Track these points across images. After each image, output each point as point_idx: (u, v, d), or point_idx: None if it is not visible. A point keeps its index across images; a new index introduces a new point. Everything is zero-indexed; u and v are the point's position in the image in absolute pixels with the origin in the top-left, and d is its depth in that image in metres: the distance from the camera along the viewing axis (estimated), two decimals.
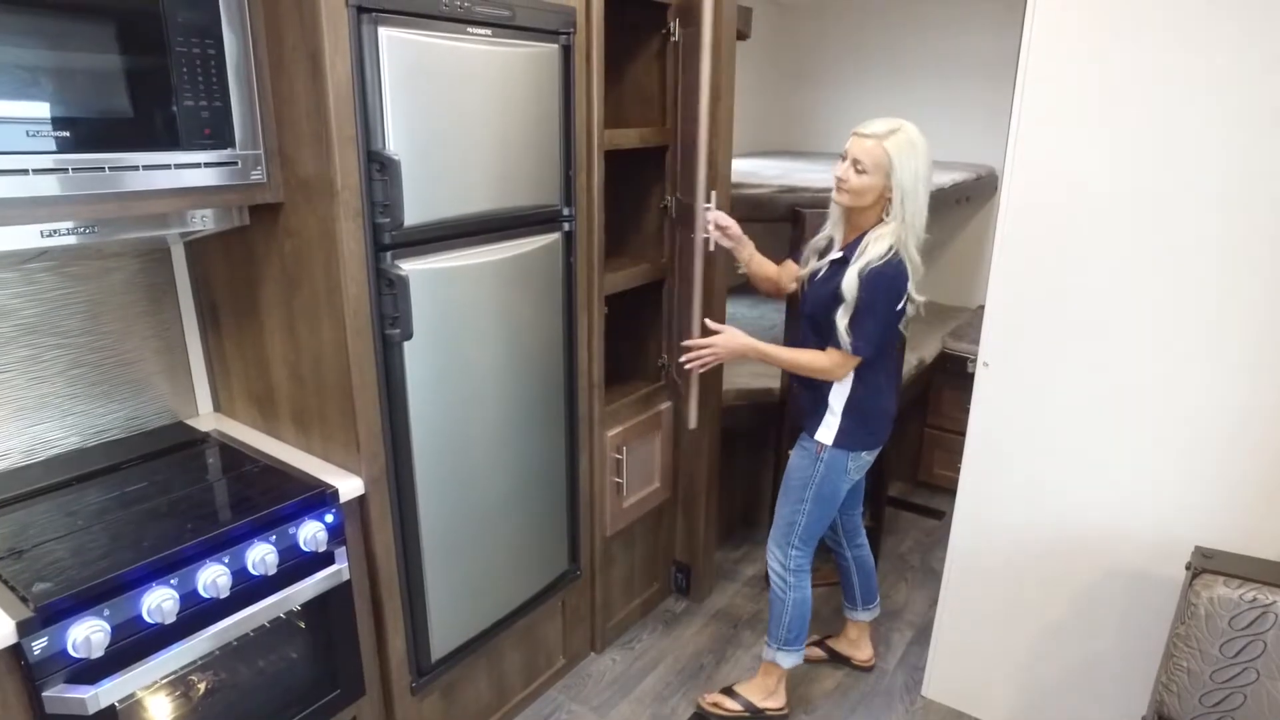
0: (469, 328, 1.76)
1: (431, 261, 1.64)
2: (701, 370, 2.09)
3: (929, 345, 3.37)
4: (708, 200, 2.02)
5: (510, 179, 1.79)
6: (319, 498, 1.55)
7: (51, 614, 1.20)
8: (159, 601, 1.30)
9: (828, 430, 1.99)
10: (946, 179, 3.06)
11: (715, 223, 2.05)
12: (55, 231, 1.30)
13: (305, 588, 1.51)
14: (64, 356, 1.67)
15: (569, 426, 2.16)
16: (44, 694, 1.21)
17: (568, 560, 2.29)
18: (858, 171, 1.80)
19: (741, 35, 3.70)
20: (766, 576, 2.23)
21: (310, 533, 1.52)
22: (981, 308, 4.07)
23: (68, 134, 1.23)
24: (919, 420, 3.60)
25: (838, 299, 1.85)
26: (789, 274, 2.16)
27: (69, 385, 1.69)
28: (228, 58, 1.39)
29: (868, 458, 2.06)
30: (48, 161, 1.22)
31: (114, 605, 1.27)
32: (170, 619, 1.31)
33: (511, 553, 2.06)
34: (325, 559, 1.56)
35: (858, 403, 1.97)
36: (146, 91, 1.31)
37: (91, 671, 1.25)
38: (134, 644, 1.30)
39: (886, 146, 1.76)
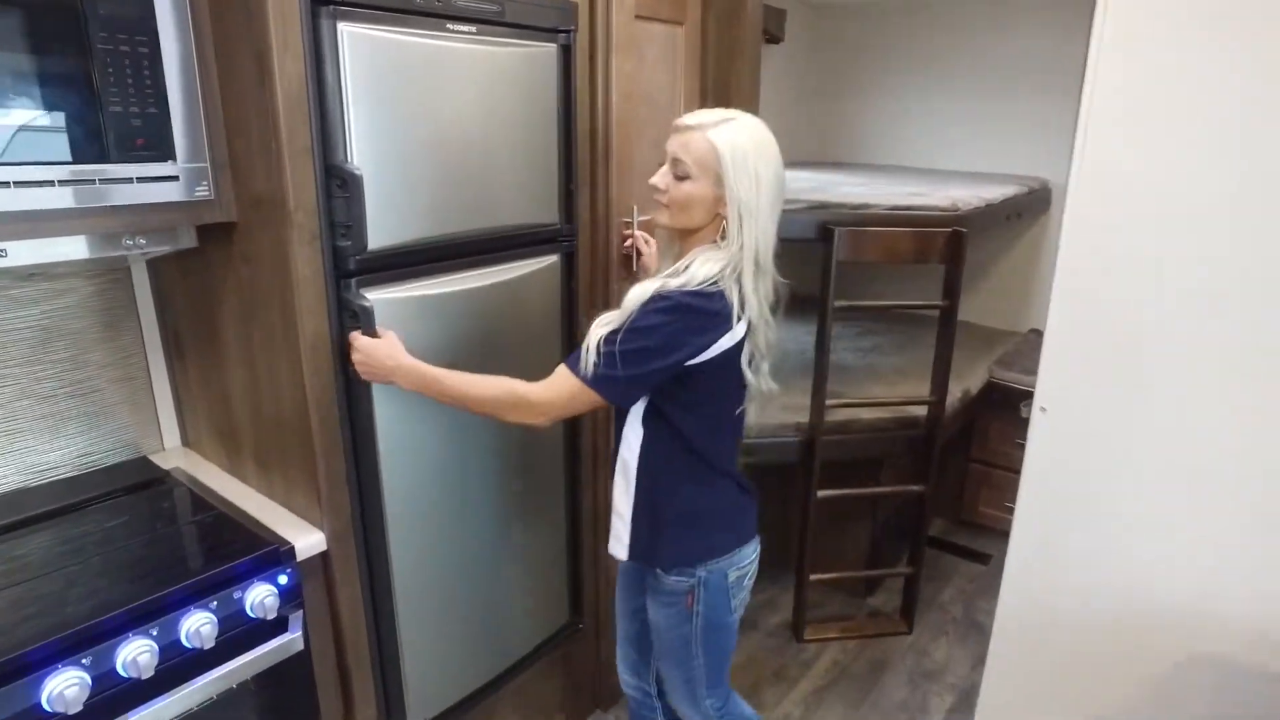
0: (449, 363, 1.56)
1: (403, 289, 1.45)
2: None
3: (975, 374, 3.09)
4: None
5: (498, 195, 1.59)
6: (271, 556, 1.36)
7: None
8: (62, 687, 1.12)
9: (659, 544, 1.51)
10: (996, 193, 2.80)
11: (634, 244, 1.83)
12: None
13: (251, 661, 1.32)
14: (6, 387, 1.52)
15: (569, 464, 1.96)
16: None
17: (568, 612, 2.08)
18: (678, 176, 1.35)
19: (774, 38, 3.50)
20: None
21: (259, 597, 1.33)
22: (1033, 332, 3.80)
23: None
24: (963, 454, 3.32)
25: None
26: None
27: (10, 418, 1.53)
28: (165, 56, 1.22)
29: (751, 558, 1.57)
30: None
31: (6, 693, 1.09)
32: (75, 708, 1.13)
33: (503, 606, 1.86)
34: (277, 626, 1.37)
35: (664, 505, 1.49)
36: (63, 96, 1.14)
37: None
38: None
39: (712, 138, 1.30)
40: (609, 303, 1.89)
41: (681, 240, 1.44)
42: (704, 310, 1.31)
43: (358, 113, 1.30)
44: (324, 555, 1.45)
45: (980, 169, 3.60)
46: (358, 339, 1.38)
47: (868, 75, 3.84)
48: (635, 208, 1.85)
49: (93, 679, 1.15)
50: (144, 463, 1.70)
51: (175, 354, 1.71)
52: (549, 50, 1.63)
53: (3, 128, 1.10)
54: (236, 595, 1.32)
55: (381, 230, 1.37)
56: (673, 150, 1.35)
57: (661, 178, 1.38)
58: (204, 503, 1.54)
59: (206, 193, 1.31)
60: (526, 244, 1.69)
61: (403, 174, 1.40)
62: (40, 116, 1.13)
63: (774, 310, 1.40)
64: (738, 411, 1.49)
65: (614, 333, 1.31)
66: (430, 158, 1.44)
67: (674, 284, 1.32)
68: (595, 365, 1.31)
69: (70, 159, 1.16)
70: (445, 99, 1.44)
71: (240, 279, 1.43)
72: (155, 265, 1.65)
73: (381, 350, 1.37)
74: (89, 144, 1.17)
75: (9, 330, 1.50)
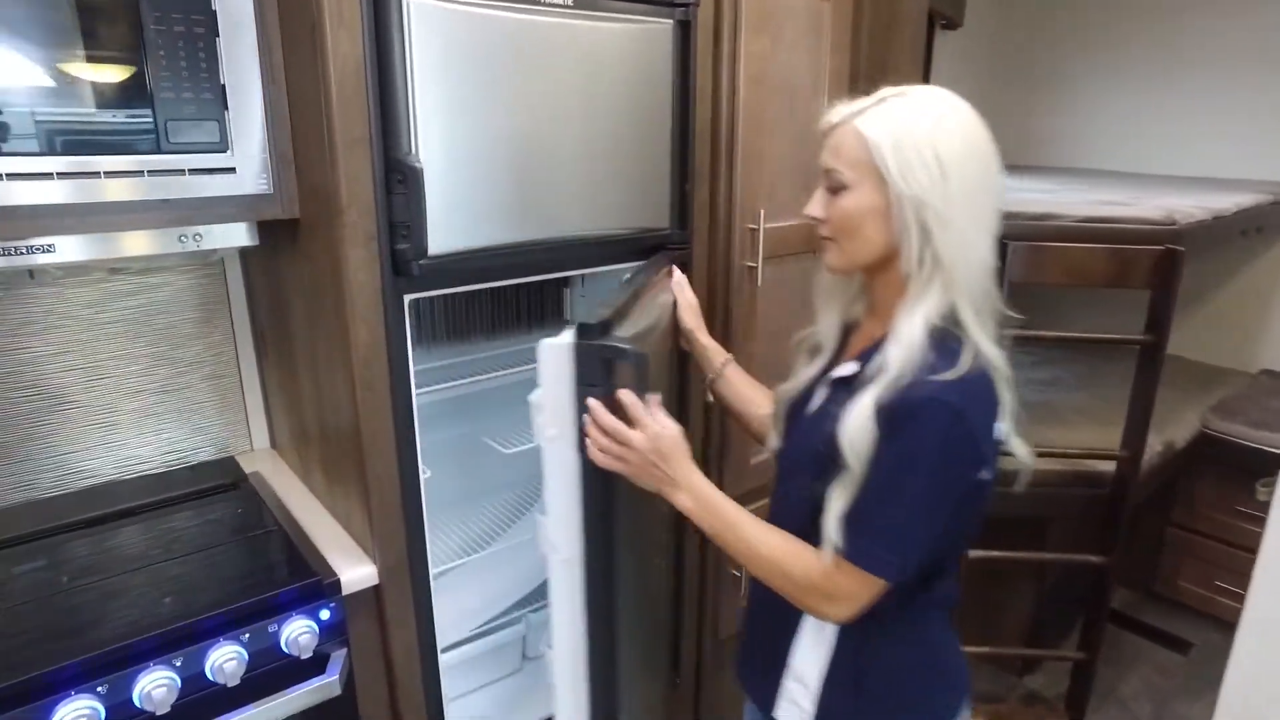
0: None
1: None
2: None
3: (1182, 421, 2.55)
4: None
5: (596, 197, 1.39)
6: (313, 589, 1.24)
7: None
8: (71, 717, 1.04)
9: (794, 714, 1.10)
10: (1228, 202, 2.27)
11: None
12: (11, 249, 1.07)
13: (279, 703, 1.20)
14: (103, 379, 1.50)
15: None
16: None
17: (665, 667, 1.86)
18: (832, 190, 0.99)
19: (950, 23, 3.08)
20: None
21: (294, 633, 1.21)
22: (1266, 374, 3.11)
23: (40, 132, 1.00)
24: (1161, 515, 2.76)
25: (832, 455, 0.95)
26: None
27: (107, 410, 1.52)
28: (221, 37, 1.11)
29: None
30: (22, 165, 0.99)
31: (15, 718, 1.02)
32: None
33: None
34: (313, 666, 1.24)
35: (867, 668, 1.05)
36: (111, 82, 1.05)
37: None
38: None
39: (861, 126, 0.94)
40: (730, 320, 1.65)
41: (875, 291, 1.04)
42: (967, 404, 0.90)
43: (425, 98, 1.14)
44: (377, 590, 1.32)
45: (1197, 173, 3.00)
46: (633, 420, 1.00)
47: (1060, 64, 3.31)
48: (762, 212, 1.58)
49: (105, 709, 1.07)
50: (229, 463, 1.65)
51: (264, 353, 1.65)
52: (664, 28, 1.40)
53: (47, 116, 1.02)
54: (271, 629, 1.20)
55: (451, 233, 1.21)
56: (822, 161, 1.00)
57: (815, 203, 1.02)
58: (268, 515, 1.44)
59: (265, 186, 1.20)
60: (629, 252, 1.47)
61: (479, 170, 1.22)
62: (88, 103, 1.04)
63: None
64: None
65: (857, 505, 0.93)
66: (514, 152, 1.25)
67: (892, 379, 0.91)
68: (854, 546, 0.93)
69: (118, 150, 1.07)
70: (534, 83, 1.25)
71: (304, 281, 1.31)
72: (246, 261, 1.59)
73: (664, 446, 1.00)
74: (138, 134, 1.08)
75: (103, 323, 1.48)
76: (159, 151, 1.09)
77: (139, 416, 1.56)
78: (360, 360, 1.20)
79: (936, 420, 0.89)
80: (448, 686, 1.63)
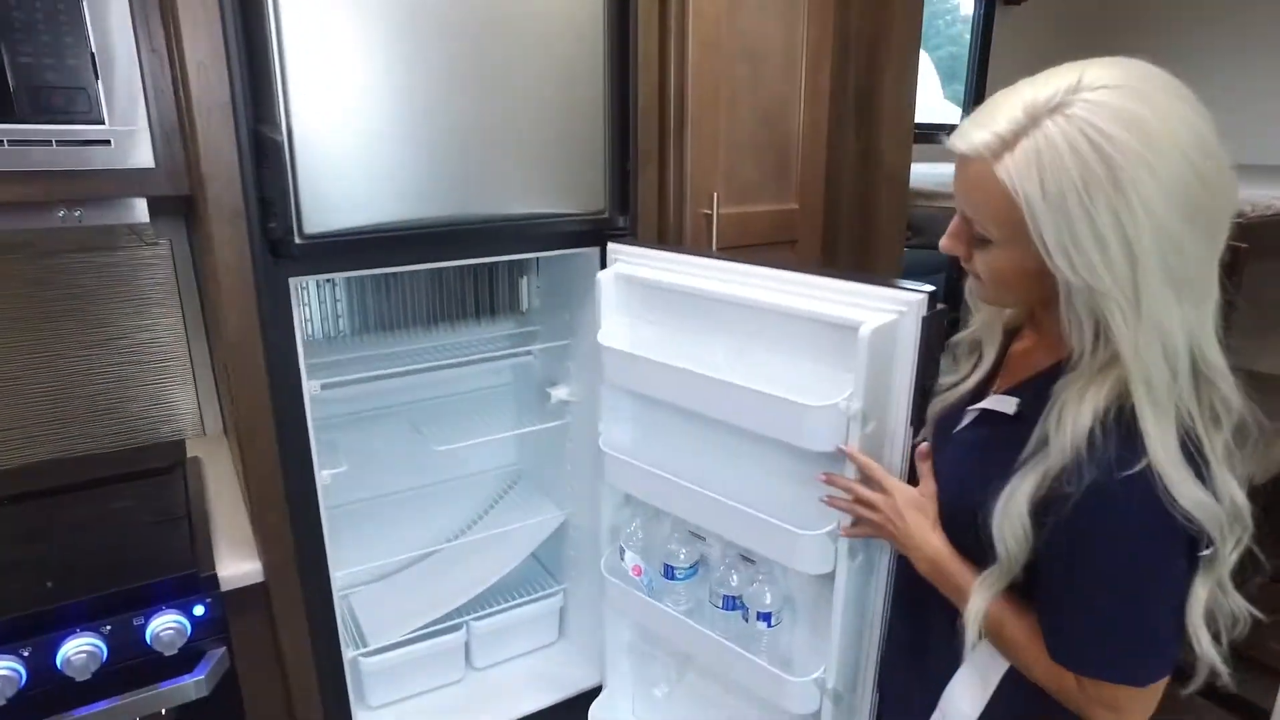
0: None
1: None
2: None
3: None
4: None
5: (513, 174, 1.26)
6: (186, 582, 1.18)
7: None
8: None
9: None
10: None
11: None
12: None
13: (135, 702, 1.15)
14: (53, 358, 1.51)
15: None
16: None
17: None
18: (976, 241, 0.80)
19: None
20: None
21: (160, 627, 1.15)
22: None
23: None
24: None
25: (984, 533, 0.81)
26: None
27: (57, 391, 1.53)
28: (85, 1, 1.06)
29: None
30: None
31: None
32: None
33: None
34: (182, 664, 1.18)
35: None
36: None
37: None
38: None
39: (1001, 174, 0.72)
40: None
41: (1039, 314, 0.87)
42: (1145, 518, 0.73)
43: (299, 63, 1.05)
44: (264, 589, 1.25)
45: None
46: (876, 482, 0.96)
47: (1132, 42, 2.92)
48: (715, 195, 1.42)
49: None
50: (174, 447, 1.63)
51: (213, 337, 1.62)
52: None
53: None
54: (137, 622, 1.15)
55: (335, 210, 1.12)
56: (957, 198, 0.81)
57: (950, 241, 0.83)
58: (181, 503, 1.40)
59: (148, 160, 1.14)
60: (558, 237, 1.35)
61: (369, 143, 1.12)
62: None
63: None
64: None
65: (1050, 601, 0.81)
66: (411, 124, 1.15)
67: (1062, 461, 0.75)
68: (1057, 646, 0.80)
69: None
70: (434, 47, 1.14)
71: (201, 263, 1.26)
72: (191, 242, 1.57)
73: (914, 502, 0.93)
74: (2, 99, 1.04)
75: (48, 301, 1.49)
76: (19, 120, 1.05)
77: (89, 395, 1.56)
78: (230, 344, 1.13)
79: (1118, 524, 0.73)
80: (375, 693, 1.57)
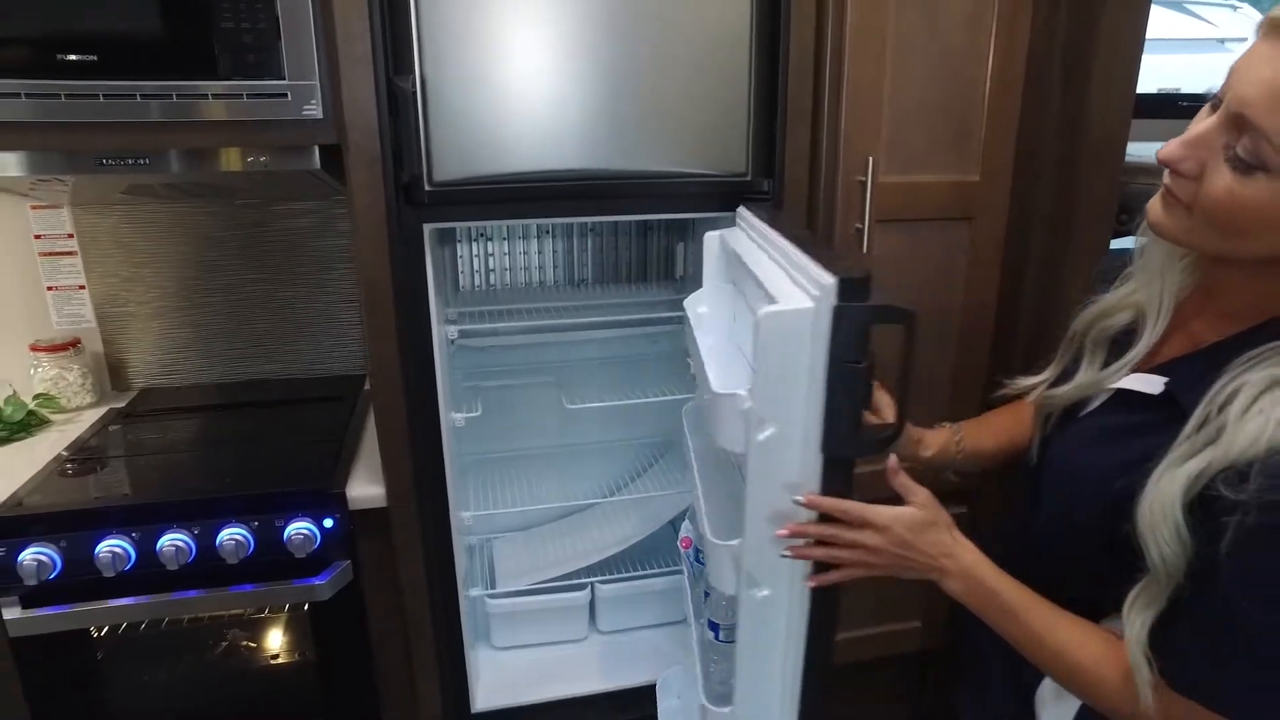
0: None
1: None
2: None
3: None
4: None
5: (648, 127, 1.23)
6: (318, 495, 1.31)
7: (10, 529, 1.21)
8: (104, 550, 1.22)
9: None
10: None
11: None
12: (106, 161, 1.28)
13: (269, 591, 1.30)
14: (267, 293, 1.76)
15: None
16: None
17: None
18: (1237, 163, 0.59)
19: None
20: None
21: (295, 531, 1.29)
22: None
23: (95, 58, 1.18)
24: None
25: (1121, 515, 0.66)
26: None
27: (262, 322, 1.78)
28: None
29: None
30: (81, 87, 1.19)
31: (71, 540, 1.23)
32: (109, 572, 1.22)
33: None
34: (310, 568, 1.31)
35: None
36: (182, 11, 1.19)
37: (40, 597, 1.24)
38: (90, 585, 1.25)
39: None
40: None
41: (1228, 277, 0.69)
42: None
43: (434, 14, 1.11)
44: (385, 514, 1.34)
45: None
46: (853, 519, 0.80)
47: None
48: (871, 161, 1.27)
49: (135, 554, 1.24)
50: (354, 380, 1.82)
51: None
52: None
53: (126, 43, 1.19)
54: (278, 523, 1.29)
55: (465, 159, 1.17)
56: (1242, 94, 0.58)
57: (1184, 149, 0.63)
58: (341, 429, 1.55)
59: (315, 112, 1.26)
60: (694, 200, 1.29)
61: (500, 92, 1.16)
62: (159, 32, 1.19)
63: None
64: None
65: (1187, 617, 0.65)
66: (544, 72, 1.16)
67: (1212, 461, 0.61)
68: (1179, 674, 0.65)
69: (186, 74, 1.21)
70: None
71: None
72: None
73: (902, 530, 0.78)
74: (204, 60, 1.21)
75: (268, 242, 1.72)
76: (220, 77, 1.21)
77: (295, 327, 1.80)
78: (364, 283, 1.22)
79: None
80: (500, 634, 1.64)
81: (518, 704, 1.52)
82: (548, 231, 1.62)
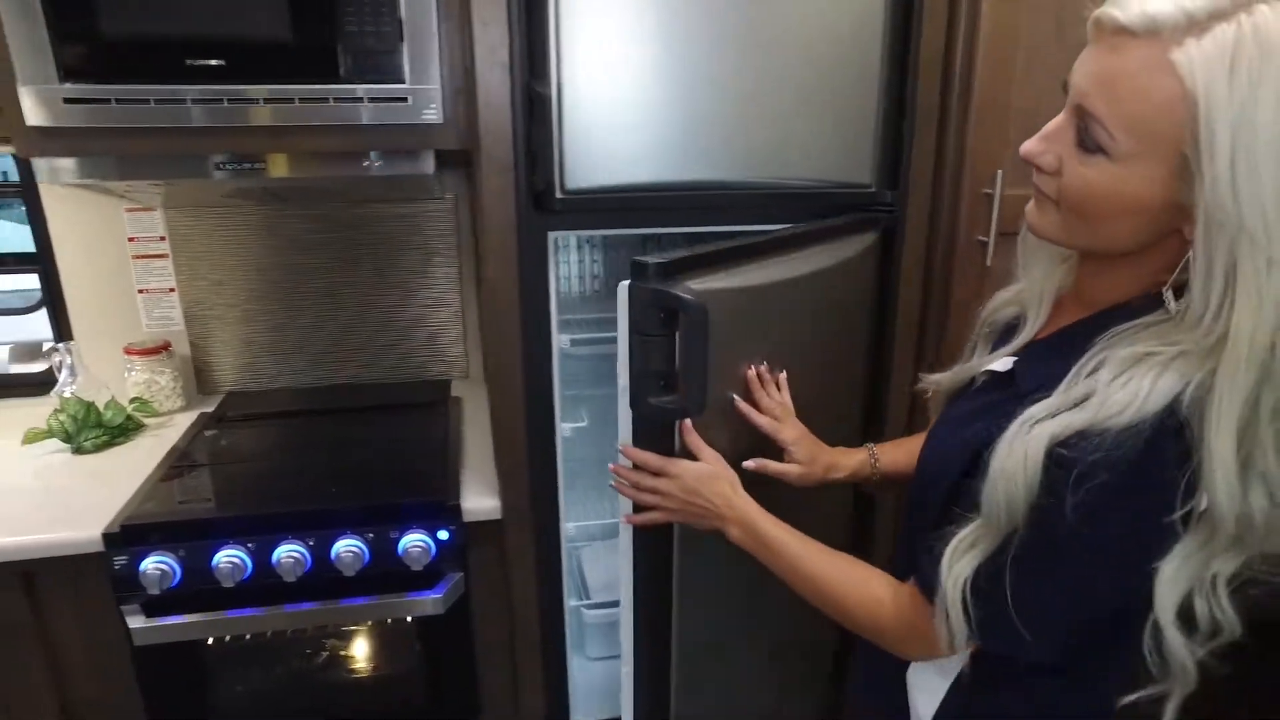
0: None
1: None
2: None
3: None
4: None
5: (775, 139, 1.20)
6: (433, 507, 1.29)
7: (132, 537, 1.20)
8: (223, 561, 1.21)
9: None
10: None
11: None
12: (221, 164, 1.26)
13: (386, 605, 1.29)
14: (358, 295, 1.74)
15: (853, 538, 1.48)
16: (122, 608, 1.23)
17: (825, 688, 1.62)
18: (1085, 146, 0.63)
19: None
20: None
21: (410, 544, 1.27)
22: None
23: (223, 62, 1.17)
24: None
25: (972, 471, 0.71)
26: None
27: (349, 325, 1.76)
28: None
29: None
30: (203, 92, 1.17)
31: (190, 549, 1.22)
32: (229, 582, 1.21)
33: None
34: (424, 580, 1.30)
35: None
36: (307, 15, 1.17)
37: (159, 605, 1.22)
38: (206, 595, 1.23)
39: (1184, 64, 0.55)
40: (947, 305, 1.35)
41: (1090, 275, 0.74)
42: (1160, 480, 0.61)
43: (574, 20, 1.08)
44: (499, 525, 1.33)
45: None
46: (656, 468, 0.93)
47: None
48: (1000, 174, 1.25)
49: (251, 564, 1.23)
50: (440, 385, 1.80)
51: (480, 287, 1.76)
52: None
53: (251, 47, 1.17)
54: (392, 535, 1.28)
55: (596, 168, 1.14)
56: (1078, 86, 0.64)
57: (1042, 143, 0.67)
58: (442, 438, 1.54)
59: (435, 116, 1.25)
60: (818, 210, 1.27)
61: (629, 100, 1.13)
62: (286, 36, 1.18)
63: None
64: None
65: (989, 559, 0.69)
66: (676, 81, 1.13)
67: (1086, 420, 0.63)
68: (976, 618, 0.70)
69: (308, 78, 1.19)
70: (702, 3, 1.12)
71: (470, 215, 1.36)
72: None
73: (690, 480, 0.91)
74: (326, 63, 1.19)
75: (362, 244, 1.71)
76: (342, 81, 1.20)
77: (383, 331, 1.78)
78: (490, 292, 1.20)
79: (1124, 480, 0.61)
80: (594, 644, 1.62)
81: (615, 716, 1.51)
82: (656, 240, 1.60)
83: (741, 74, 1.17)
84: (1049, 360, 0.71)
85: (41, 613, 1.25)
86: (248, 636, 1.31)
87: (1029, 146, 0.68)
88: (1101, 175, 0.63)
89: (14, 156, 1.54)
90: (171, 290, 1.67)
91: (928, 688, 0.84)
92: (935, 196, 1.31)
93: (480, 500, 1.31)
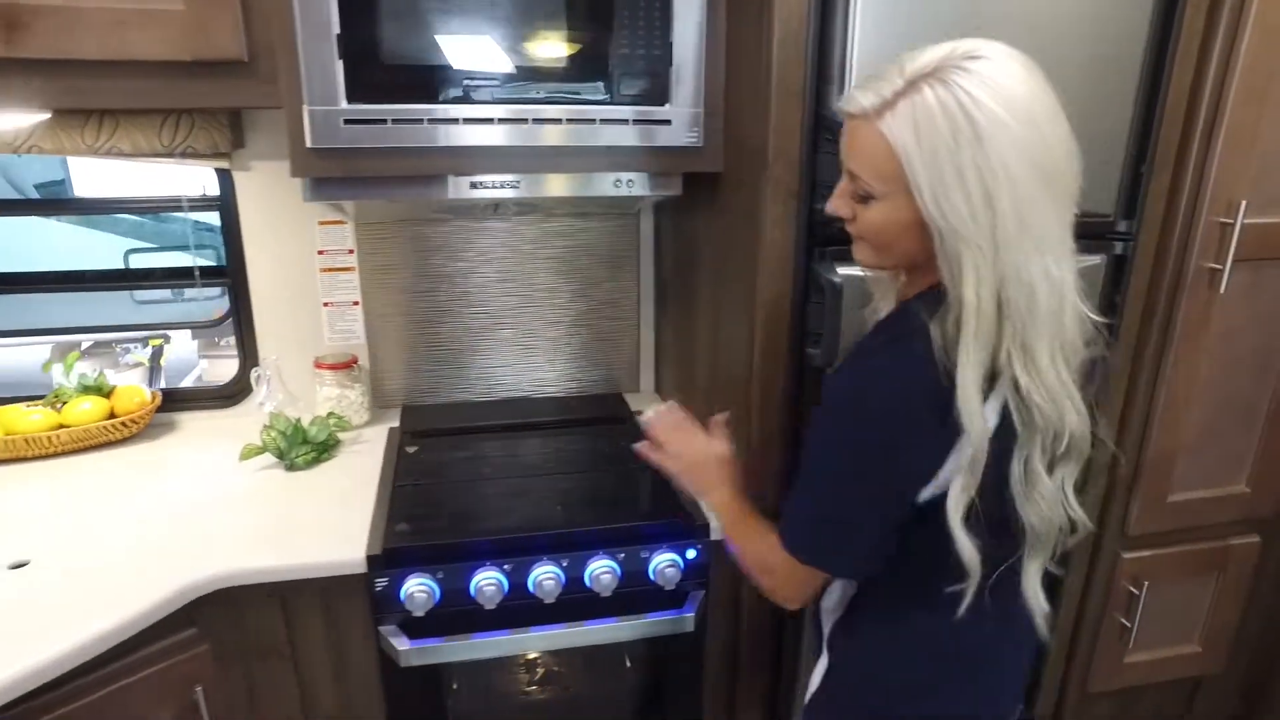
0: None
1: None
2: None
3: None
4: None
5: None
6: (683, 527, 1.30)
7: (394, 560, 1.20)
8: (483, 583, 1.21)
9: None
10: None
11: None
12: (483, 184, 1.26)
13: (641, 625, 1.29)
14: (529, 309, 1.74)
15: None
16: (380, 628, 1.23)
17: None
18: (860, 198, 0.86)
19: None
20: None
21: (662, 564, 1.28)
22: None
23: (497, 83, 1.17)
24: None
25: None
26: None
27: (528, 335, 1.76)
28: None
29: None
30: (503, 111, 1.18)
31: (448, 571, 1.22)
32: (490, 604, 1.21)
33: None
34: (673, 600, 1.30)
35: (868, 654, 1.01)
36: (586, 38, 1.17)
37: (417, 626, 1.22)
38: (460, 616, 1.23)
39: (884, 130, 0.79)
40: (1169, 330, 1.38)
41: (906, 283, 0.95)
42: (889, 393, 0.84)
43: (864, 49, 1.10)
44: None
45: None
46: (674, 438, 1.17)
47: None
48: (1243, 204, 1.28)
49: (507, 585, 1.23)
50: (616, 399, 1.81)
51: (663, 302, 1.77)
52: None
53: (534, 69, 1.17)
54: (643, 555, 1.28)
55: None
56: (844, 157, 0.87)
57: (836, 202, 0.90)
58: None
59: (695, 139, 1.25)
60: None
61: None
62: (562, 58, 1.18)
63: (1085, 387, 0.86)
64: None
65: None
66: None
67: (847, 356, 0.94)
68: (781, 526, 0.96)
69: (579, 99, 1.20)
70: (983, 22, 1.13)
71: (716, 234, 1.37)
72: (658, 213, 1.71)
73: (701, 450, 1.14)
74: (597, 84, 1.19)
75: (539, 258, 1.71)
76: (610, 103, 1.20)
77: (552, 344, 1.78)
78: (762, 320, 1.21)
79: (847, 394, 0.88)
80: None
81: None
82: None
83: None
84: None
85: (294, 633, 1.24)
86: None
87: (830, 206, 0.91)
88: (877, 214, 0.85)
89: (217, 170, 1.52)
90: (356, 303, 1.66)
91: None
92: (1166, 224, 1.34)
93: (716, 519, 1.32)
